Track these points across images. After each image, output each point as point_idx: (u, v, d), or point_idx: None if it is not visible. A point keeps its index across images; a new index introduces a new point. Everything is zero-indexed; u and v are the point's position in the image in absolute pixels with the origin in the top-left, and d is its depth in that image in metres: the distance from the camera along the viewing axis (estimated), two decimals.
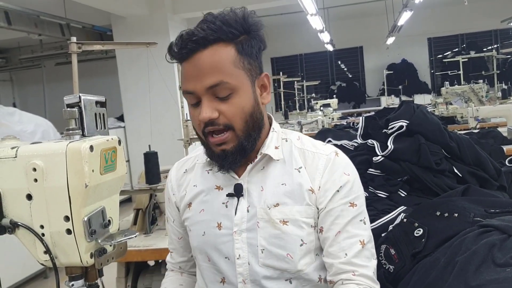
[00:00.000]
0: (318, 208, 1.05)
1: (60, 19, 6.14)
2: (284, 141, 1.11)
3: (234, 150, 1.01)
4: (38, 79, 9.46)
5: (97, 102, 0.76)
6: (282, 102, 7.40)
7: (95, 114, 0.75)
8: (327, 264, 1.04)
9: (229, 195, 1.08)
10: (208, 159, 1.10)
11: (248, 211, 1.06)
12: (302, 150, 1.09)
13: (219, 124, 0.99)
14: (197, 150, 1.19)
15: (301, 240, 1.04)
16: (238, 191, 1.07)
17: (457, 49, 10.75)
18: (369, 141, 1.87)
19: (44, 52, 8.39)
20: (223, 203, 1.09)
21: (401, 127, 1.75)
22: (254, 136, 1.04)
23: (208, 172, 1.13)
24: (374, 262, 1.04)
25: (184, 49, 0.98)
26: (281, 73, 7.85)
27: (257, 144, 1.06)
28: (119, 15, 6.00)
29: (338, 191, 1.04)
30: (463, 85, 5.87)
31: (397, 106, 1.98)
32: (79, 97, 0.72)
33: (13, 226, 0.69)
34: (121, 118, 6.82)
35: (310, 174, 1.06)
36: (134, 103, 6.19)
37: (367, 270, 1.01)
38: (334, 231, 1.03)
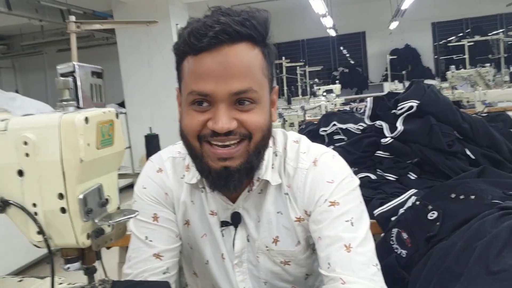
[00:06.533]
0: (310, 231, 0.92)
1: (61, 5, 6.06)
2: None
3: (241, 168, 0.85)
4: (40, 66, 9.44)
5: (93, 73, 0.71)
6: (285, 88, 7.31)
7: (91, 85, 0.70)
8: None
9: (224, 223, 0.96)
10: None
11: (248, 240, 0.97)
12: (288, 165, 0.94)
13: (235, 134, 0.83)
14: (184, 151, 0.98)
15: (306, 274, 1.00)
16: (235, 221, 0.95)
17: (461, 34, 10.61)
18: (377, 122, 1.81)
19: (46, 39, 8.34)
20: (220, 231, 0.98)
21: (411, 107, 1.68)
22: (262, 154, 0.89)
23: (202, 191, 0.97)
24: (372, 269, 0.84)
25: (207, 37, 0.78)
26: (283, 57, 7.73)
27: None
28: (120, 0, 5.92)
29: (318, 201, 0.90)
30: (468, 69, 5.77)
31: (401, 91, 1.91)
32: (74, 65, 0.67)
33: (4, 205, 0.64)
34: (122, 105, 6.78)
35: (293, 197, 0.93)
36: (135, 89, 6.13)
37: (357, 278, 0.81)
38: (316, 236, 0.89)
